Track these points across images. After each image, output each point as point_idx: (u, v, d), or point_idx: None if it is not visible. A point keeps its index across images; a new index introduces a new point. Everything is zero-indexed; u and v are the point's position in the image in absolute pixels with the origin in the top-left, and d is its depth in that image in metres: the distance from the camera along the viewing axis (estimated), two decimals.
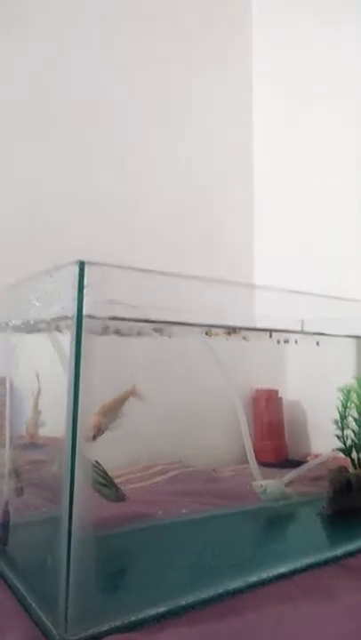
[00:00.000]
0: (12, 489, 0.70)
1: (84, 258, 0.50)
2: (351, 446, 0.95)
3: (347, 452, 0.96)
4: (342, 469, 0.91)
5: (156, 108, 1.53)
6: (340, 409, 0.95)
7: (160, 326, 0.74)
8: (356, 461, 0.95)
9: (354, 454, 0.95)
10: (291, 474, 1.06)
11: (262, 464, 1.12)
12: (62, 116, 1.34)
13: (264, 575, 0.62)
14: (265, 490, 0.88)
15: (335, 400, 0.97)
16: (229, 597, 0.58)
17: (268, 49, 1.76)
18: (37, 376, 0.76)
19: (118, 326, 0.71)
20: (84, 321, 0.49)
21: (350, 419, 0.96)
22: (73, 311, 0.49)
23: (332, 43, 1.54)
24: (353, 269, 1.41)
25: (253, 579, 0.61)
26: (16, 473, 0.70)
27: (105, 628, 0.50)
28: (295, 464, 1.19)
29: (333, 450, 0.99)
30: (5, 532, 0.68)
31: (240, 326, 0.83)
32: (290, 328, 0.87)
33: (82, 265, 0.49)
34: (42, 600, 0.54)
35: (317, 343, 0.88)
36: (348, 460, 0.96)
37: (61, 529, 0.49)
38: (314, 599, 0.58)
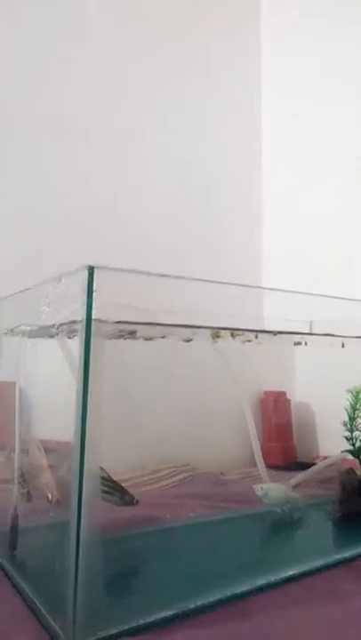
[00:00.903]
0: (21, 494, 0.70)
1: (93, 261, 0.51)
2: (360, 448, 0.95)
3: (356, 453, 0.95)
4: (351, 471, 0.91)
5: (160, 105, 1.53)
6: (350, 410, 0.95)
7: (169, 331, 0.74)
8: None
9: None
10: (299, 476, 1.06)
11: (271, 466, 1.12)
12: (65, 114, 1.34)
13: (273, 578, 0.62)
14: (266, 493, 0.87)
15: (344, 402, 0.97)
16: (238, 600, 0.58)
17: (276, 44, 1.76)
18: (39, 446, 0.74)
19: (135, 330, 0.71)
20: (94, 325, 0.49)
21: (360, 420, 0.96)
22: (82, 315, 0.49)
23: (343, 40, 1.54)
24: None
25: (262, 582, 0.61)
26: (22, 478, 0.70)
27: (114, 631, 0.50)
28: (304, 466, 1.19)
29: (342, 452, 0.98)
30: (14, 537, 0.68)
31: (247, 328, 0.83)
32: (298, 330, 0.87)
33: (91, 270, 0.49)
34: (50, 604, 0.54)
35: (343, 345, 0.88)
36: (357, 461, 0.95)
37: (70, 533, 0.49)
38: (323, 602, 0.58)
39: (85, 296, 0.49)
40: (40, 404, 0.76)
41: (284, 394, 1.53)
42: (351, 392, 0.96)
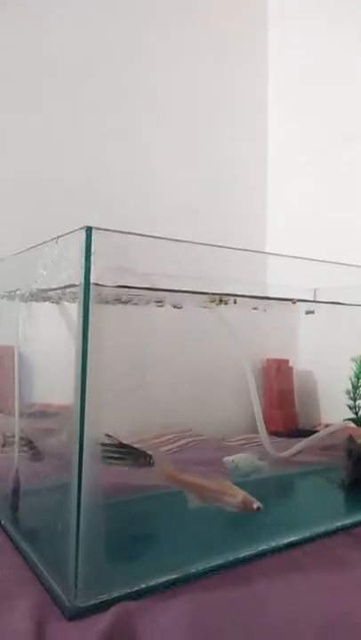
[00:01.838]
0: (29, 455, 0.70)
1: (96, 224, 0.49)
2: None
3: (359, 422, 0.95)
4: (352, 439, 0.91)
5: (171, 78, 1.50)
6: (353, 379, 0.94)
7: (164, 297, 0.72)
8: None
9: None
10: (301, 443, 1.06)
11: (272, 433, 1.12)
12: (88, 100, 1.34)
13: (274, 543, 0.62)
14: (237, 465, 0.83)
15: (347, 370, 0.96)
16: (240, 565, 0.58)
17: (284, 27, 1.70)
18: None
19: (130, 295, 0.69)
20: (92, 289, 0.48)
21: None
22: (80, 279, 0.48)
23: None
24: None
25: (263, 547, 0.61)
26: (28, 440, 0.70)
27: (115, 594, 0.50)
28: (305, 433, 1.19)
29: (345, 420, 0.98)
30: (16, 499, 0.68)
31: (250, 295, 0.81)
32: (303, 297, 0.85)
33: (89, 231, 0.47)
34: (52, 567, 0.54)
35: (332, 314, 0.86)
36: (360, 429, 0.95)
37: (71, 496, 0.49)
38: (324, 568, 0.58)
39: (83, 259, 0.47)
40: (40, 368, 0.76)
41: (286, 361, 1.52)
42: (356, 360, 0.95)
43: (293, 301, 0.82)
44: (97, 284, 0.48)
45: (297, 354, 1.55)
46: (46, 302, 0.66)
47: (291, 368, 1.53)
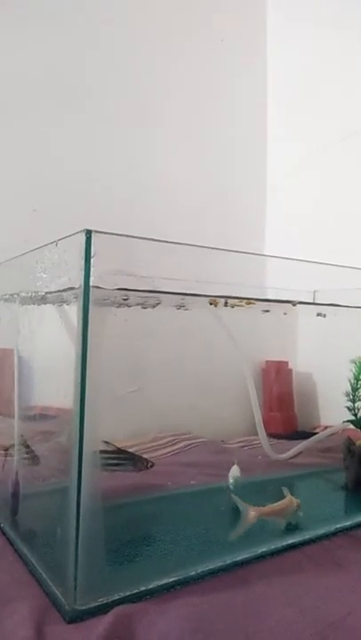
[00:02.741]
0: (26, 459, 0.70)
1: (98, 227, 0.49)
2: None
3: (358, 423, 0.95)
4: (351, 441, 0.91)
5: (170, 77, 1.51)
6: (353, 381, 0.94)
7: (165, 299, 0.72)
8: None
9: None
10: (301, 445, 1.06)
11: (271, 435, 1.12)
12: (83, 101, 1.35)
13: (273, 546, 0.62)
14: (236, 482, 0.84)
15: (346, 372, 0.96)
16: (239, 568, 0.58)
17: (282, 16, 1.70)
18: None
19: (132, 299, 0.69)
20: (92, 292, 0.48)
21: None
22: (80, 282, 0.48)
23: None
24: None
25: (262, 549, 0.61)
26: (26, 444, 0.70)
27: (115, 597, 0.50)
28: (305, 435, 1.19)
29: (344, 422, 0.98)
30: (15, 503, 0.68)
31: (250, 297, 0.81)
32: (302, 299, 0.85)
33: (89, 234, 0.48)
34: (52, 570, 0.54)
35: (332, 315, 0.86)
36: (359, 431, 0.95)
37: (70, 499, 0.49)
38: (323, 570, 0.58)
39: (83, 261, 0.47)
40: (40, 371, 0.76)
41: (285, 363, 1.52)
42: (355, 362, 0.95)
43: (294, 304, 0.82)
44: (97, 287, 0.48)
45: (296, 356, 1.55)
46: (47, 305, 0.66)
47: (290, 370, 1.53)
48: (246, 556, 0.60)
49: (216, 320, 0.85)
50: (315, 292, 0.94)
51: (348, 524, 0.70)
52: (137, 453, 0.74)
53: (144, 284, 0.61)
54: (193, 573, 0.55)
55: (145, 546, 0.64)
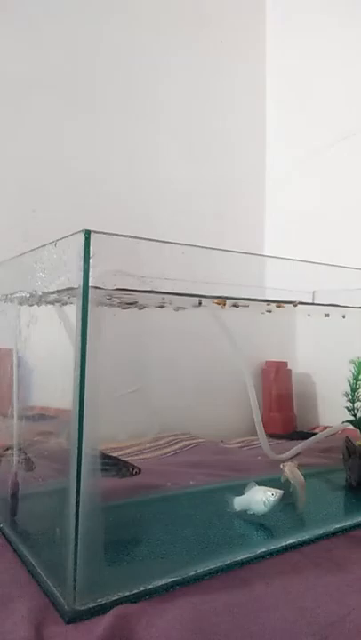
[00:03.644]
0: (21, 462, 0.70)
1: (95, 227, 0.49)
2: None
3: (357, 424, 0.95)
4: (349, 440, 0.91)
5: (169, 75, 1.50)
6: (352, 381, 0.94)
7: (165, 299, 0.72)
8: None
9: None
10: (299, 445, 1.06)
11: (271, 436, 1.12)
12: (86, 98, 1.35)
13: (272, 546, 0.62)
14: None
15: (346, 372, 0.96)
16: (238, 568, 0.58)
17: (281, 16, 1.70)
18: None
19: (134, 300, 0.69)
20: (91, 292, 0.48)
21: None
22: (79, 282, 0.48)
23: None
24: None
25: (262, 550, 0.61)
26: (20, 447, 0.70)
27: (114, 597, 0.50)
28: (304, 436, 1.19)
29: (343, 422, 0.98)
30: (15, 503, 0.68)
31: (247, 298, 0.81)
32: (301, 299, 0.85)
33: (87, 234, 0.48)
34: (51, 570, 0.54)
35: (343, 316, 0.87)
36: (359, 432, 0.95)
37: (69, 499, 0.49)
38: (323, 571, 0.58)
39: (82, 262, 0.47)
40: (39, 371, 0.76)
41: (285, 364, 1.52)
42: (354, 363, 0.95)
43: (295, 304, 0.82)
44: (96, 287, 0.48)
45: (296, 356, 1.55)
46: (46, 305, 0.66)
47: (289, 370, 1.53)
48: (246, 556, 0.60)
49: (215, 320, 0.85)
50: (314, 292, 0.94)
51: (347, 524, 0.70)
52: (123, 459, 0.74)
53: (143, 284, 0.61)
54: (192, 573, 0.55)
55: (144, 546, 0.64)
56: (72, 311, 0.51)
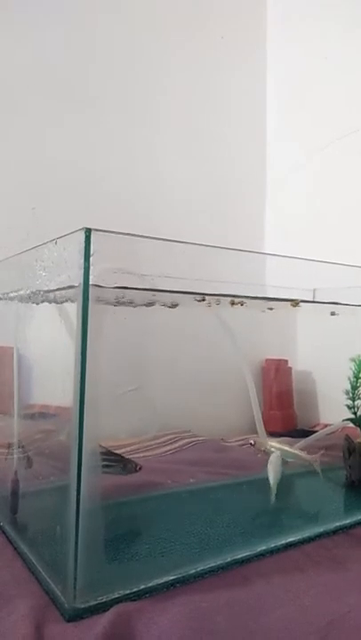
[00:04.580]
0: (20, 459, 0.70)
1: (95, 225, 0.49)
2: None
3: (358, 422, 0.95)
4: (349, 438, 0.91)
5: (170, 76, 1.50)
6: (352, 379, 0.94)
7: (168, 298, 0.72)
8: None
9: None
10: (300, 443, 1.06)
11: (271, 433, 1.12)
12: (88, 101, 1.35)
13: (273, 544, 0.62)
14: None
15: (346, 370, 0.96)
16: (238, 566, 0.58)
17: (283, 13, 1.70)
18: None
19: (132, 297, 0.69)
20: (91, 290, 0.48)
21: None
22: (79, 280, 0.48)
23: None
24: None
25: (262, 548, 0.61)
26: (20, 444, 0.70)
27: (114, 595, 0.50)
28: (304, 434, 1.19)
29: (343, 420, 0.98)
30: (15, 501, 0.68)
31: (250, 296, 0.81)
32: (302, 297, 0.85)
33: (88, 232, 0.47)
34: (51, 568, 0.54)
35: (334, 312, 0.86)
36: (359, 430, 0.95)
37: (70, 497, 0.49)
38: (323, 569, 0.58)
39: (83, 260, 0.47)
40: (39, 369, 0.76)
41: (285, 362, 1.52)
42: (354, 360, 0.95)
43: (297, 302, 0.82)
44: (97, 286, 0.48)
45: (296, 354, 1.55)
46: (46, 303, 0.66)
47: (290, 368, 1.53)
48: (246, 554, 0.60)
49: (216, 318, 0.85)
50: (314, 290, 0.94)
51: (348, 522, 0.71)
52: (125, 456, 0.74)
53: (144, 282, 0.61)
54: (193, 571, 0.55)
55: (144, 544, 0.64)
56: (72, 309, 0.51)
